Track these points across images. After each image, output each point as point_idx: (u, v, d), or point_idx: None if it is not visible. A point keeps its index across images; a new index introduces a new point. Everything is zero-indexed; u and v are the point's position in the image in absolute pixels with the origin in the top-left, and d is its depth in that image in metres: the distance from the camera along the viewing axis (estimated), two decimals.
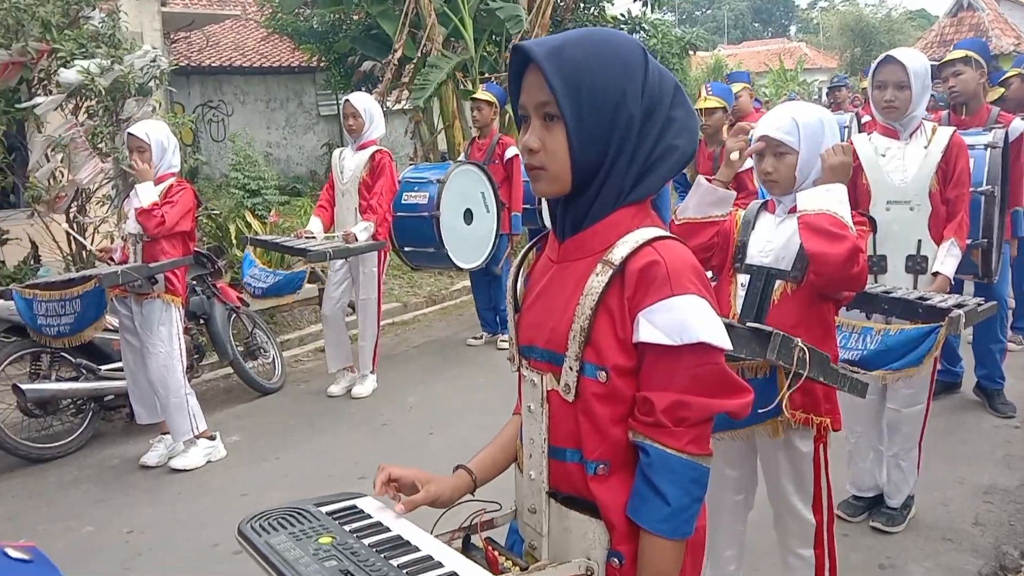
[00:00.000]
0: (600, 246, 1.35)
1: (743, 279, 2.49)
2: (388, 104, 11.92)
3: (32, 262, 6.62)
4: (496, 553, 1.52)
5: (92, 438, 4.99)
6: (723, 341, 1.30)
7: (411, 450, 4.57)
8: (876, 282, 3.26)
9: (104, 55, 5.33)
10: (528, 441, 1.46)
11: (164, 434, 4.70)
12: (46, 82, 5.53)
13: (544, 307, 1.43)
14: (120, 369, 4.81)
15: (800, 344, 2.12)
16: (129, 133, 4.40)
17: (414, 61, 10.88)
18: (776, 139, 2.37)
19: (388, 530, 1.41)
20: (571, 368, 1.34)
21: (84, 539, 3.80)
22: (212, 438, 4.70)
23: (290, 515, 1.47)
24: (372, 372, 5.72)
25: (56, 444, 4.83)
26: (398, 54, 10.79)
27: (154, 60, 5.49)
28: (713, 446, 1.37)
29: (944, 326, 2.74)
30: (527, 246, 1.61)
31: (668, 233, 1.36)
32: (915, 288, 3.21)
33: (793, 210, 2.42)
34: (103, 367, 5.00)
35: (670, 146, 1.35)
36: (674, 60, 15.89)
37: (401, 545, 1.35)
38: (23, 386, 4.64)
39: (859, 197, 3.36)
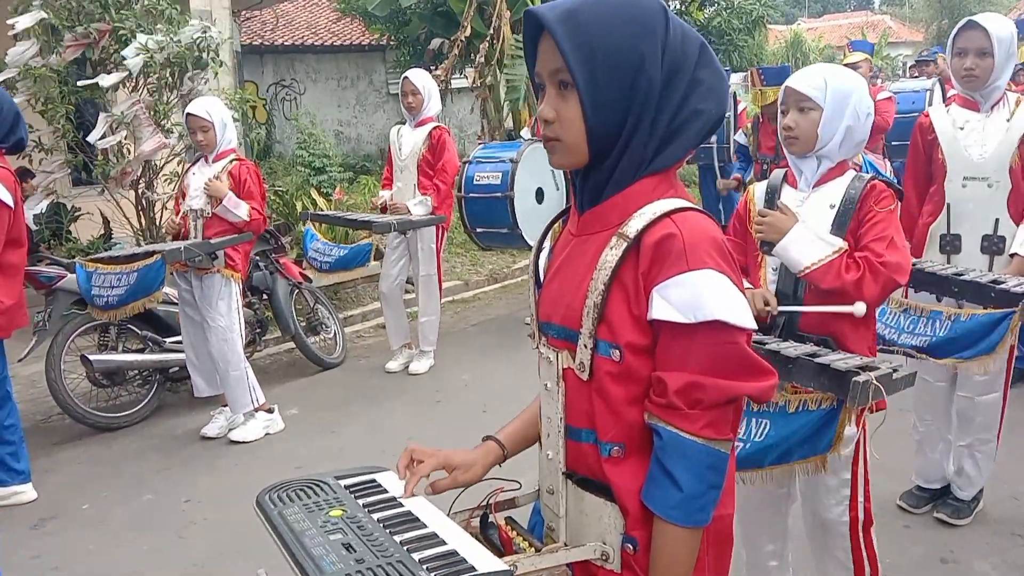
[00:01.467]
0: (619, 219, 1.28)
1: (773, 263, 2.36)
2: (462, 81, 11.90)
3: (105, 238, 6.84)
4: (515, 533, 1.48)
5: (157, 409, 5.13)
6: (743, 320, 1.22)
7: (464, 426, 4.56)
8: (949, 263, 3.08)
9: (162, 31, 5.42)
10: (546, 420, 1.42)
11: (225, 406, 4.80)
12: (107, 61, 5.65)
13: (561, 282, 1.37)
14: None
15: (874, 380, 1.97)
16: (189, 113, 4.46)
17: (485, 39, 10.82)
18: (802, 93, 2.25)
19: (400, 505, 1.40)
20: (585, 346, 1.28)
21: (144, 506, 3.91)
22: (270, 411, 4.78)
23: (308, 487, 1.48)
24: (431, 348, 5.74)
25: (123, 414, 4.98)
26: (466, 31, 10.73)
27: (205, 32, 5.54)
28: None
29: (1018, 312, 2.58)
30: (551, 219, 1.55)
31: (690, 204, 1.28)
32: (991, 270, 3.03)
33: (820, 183, 2.31)
34: (168, 340, 5.12)
35: (695, 111, 1.27)
36: (740, 37, 15.32)
37: (409, 521, 1.33)
38: (91, 357, 4.79)
39: (934, 172, 3.18)
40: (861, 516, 2.34)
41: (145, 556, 3.44)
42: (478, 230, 6.05)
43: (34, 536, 3.66)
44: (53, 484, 4.14)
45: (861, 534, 2.35)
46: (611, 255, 1.25)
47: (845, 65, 7.13)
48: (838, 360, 2.07)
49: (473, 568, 1.15)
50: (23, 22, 5.28)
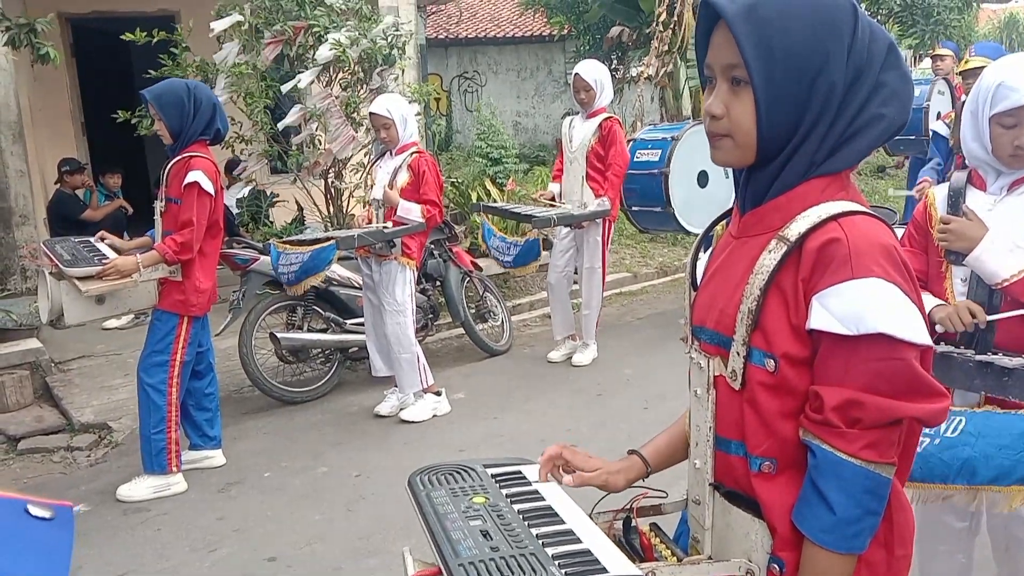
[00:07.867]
0: (781, 221, 1.22)
1: (961, 273, 2.14)
2: (638, 71, 11.76)
3: (297, 223, 7.32)
4: (657, 540, 1.46)
5: (336, 386, 5.44)
6: (912, 334, 1.12)
7: (623, 422, 4.53)
8: None
9: (353, 27, 5.71)
10: (695, 428, 1.38)
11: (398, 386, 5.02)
12: (304, 57, 6.03)
13: (717, 286, 1.33)
14: (363, 323, 5.18)
15: None
16: (372, 112, 4.71)
17: (670, 27, 10.58)
18: None
19: (542, 499, 1.41)
20: (738, 353, 1.23)
21: (318, 478, 4.16)
22: (438, 393, 4.95)
23: (457, 471, 1.52)
24: (593, 341, 5.73)
25: (305, 389, 5.32)
26: (662, 16, 10.51)
27: (396, 28, 5.77)
28: None
29: None
30: (714, 219, 1.49)
31: (861, 208, 1.20)
32: None
33: (1016, 184, 2.07)
34: (348, 321, 5.41)
35: (876, 115, 1.20)
36: (951, 16, 14.04)
37: (548, 515, 1.34)
38: (279, 335, 5.15)
39: None
40: None
41: (316, 526, 3.66)
42: (633, 208, 5.96)
43: (220, 498, 3.98)
44: (240, 451, 4.49)
45: None
46: (769, 259, 1.19)
47: None
48: None
49: (605, 570, 1.14)
50: (221, 25, 5.72)
